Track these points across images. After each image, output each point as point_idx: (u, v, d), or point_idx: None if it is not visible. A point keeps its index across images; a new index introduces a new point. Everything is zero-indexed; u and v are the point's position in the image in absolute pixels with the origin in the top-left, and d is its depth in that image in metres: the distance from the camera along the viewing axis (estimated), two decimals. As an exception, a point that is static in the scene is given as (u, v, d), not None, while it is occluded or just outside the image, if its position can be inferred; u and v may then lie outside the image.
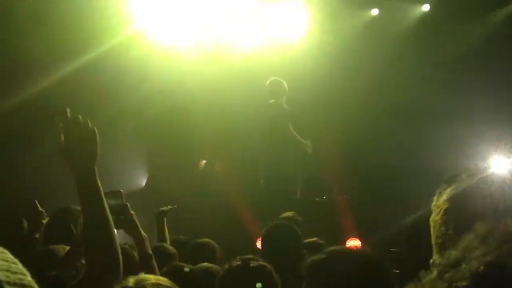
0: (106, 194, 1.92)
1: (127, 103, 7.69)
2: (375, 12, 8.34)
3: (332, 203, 7.50)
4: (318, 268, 1.92)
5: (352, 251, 1.94)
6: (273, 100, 6.29)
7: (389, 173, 7.55)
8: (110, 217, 1.89)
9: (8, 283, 0.80)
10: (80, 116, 1.85)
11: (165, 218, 4.64)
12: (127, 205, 2.73)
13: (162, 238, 4.47)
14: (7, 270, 0.82)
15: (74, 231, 3.68)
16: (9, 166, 6.98)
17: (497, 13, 7.97)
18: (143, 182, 8.92)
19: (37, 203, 3.92)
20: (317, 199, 7.63)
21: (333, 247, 2.06)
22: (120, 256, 1.89)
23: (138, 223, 2.77)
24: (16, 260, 0.86)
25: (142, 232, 2.77)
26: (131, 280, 1.76)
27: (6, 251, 0.87)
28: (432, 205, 1.70)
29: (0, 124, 6.77)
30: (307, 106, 7.10)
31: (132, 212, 2.75)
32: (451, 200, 1.43)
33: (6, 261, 0.84)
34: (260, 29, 7.87)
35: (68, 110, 1.83)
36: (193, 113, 8.52)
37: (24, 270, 0.86)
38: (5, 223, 4.22)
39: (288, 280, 2.75)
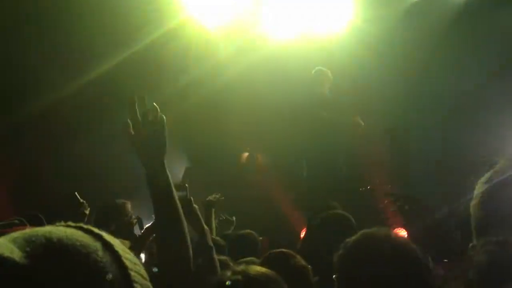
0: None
1: (165, 94, 7.77)
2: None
3: (376, 193, 7.43)
4: (348, 253, 1.84)
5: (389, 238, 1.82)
6: (318, 89, 6.30)
7: (436, 164, 7.42)
8: (181, 211, 1.87)
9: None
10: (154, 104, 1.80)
11: (213, 209, 4.69)
12: (191, 198, 2.81)
13: (209, 229, 4.50)
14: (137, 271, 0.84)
15: (124, 222, 3.83)
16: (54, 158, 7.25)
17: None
18: (180, 174, 8.95)
19: (77, 195, 4.00)
20: (361, 189, 7.58)
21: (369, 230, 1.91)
22: (190, 248, 1.88)
23: (201, 216, 2.84)
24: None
25: (204, 224, 2.84)
26: (239, 268, 1.76)
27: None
28: (474, 192, 1.69)
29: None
30: (349, 96, 7.04)
31: (196, 205, 2.82)
32: (491, 188, 1.43)
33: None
34: (301, 19, 7.79)
35: (146, 97, 1.78)
36: (232, 105, 8.47)
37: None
38: (49, 217, 4.35)
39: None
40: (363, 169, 7.73)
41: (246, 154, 9.10)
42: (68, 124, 7.31)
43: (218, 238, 4.11)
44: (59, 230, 0.78)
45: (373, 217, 6.65)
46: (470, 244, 1.50)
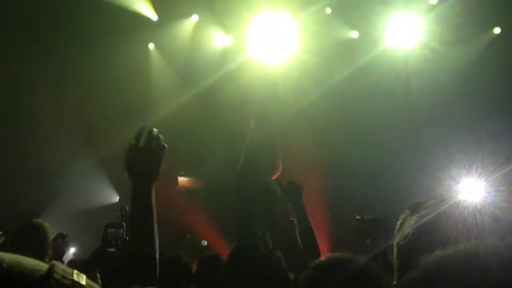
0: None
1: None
2: (354, 34, 8.46)
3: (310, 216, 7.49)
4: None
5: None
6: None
7: (359, 200, 7.60)
8: (156, 227, 1.99)
9: None
10: (155, 131, 2.01)
11: None
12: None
13: None
14: None
15: (45, 243, 3.61)
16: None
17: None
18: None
19: None
20: (291, 219, 7.62)
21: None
22: (157, 262, 1.99)
23: None
24: None
25: None
26: None
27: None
28: (396, 230, 1.72)
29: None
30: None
31: None
32: (421, 226, 1.43)
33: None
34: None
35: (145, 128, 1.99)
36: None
37: None
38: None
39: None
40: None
41: (181, 178, 9.02)
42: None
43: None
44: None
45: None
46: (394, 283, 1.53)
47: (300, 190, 3.65)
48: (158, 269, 1.97)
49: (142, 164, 1.95)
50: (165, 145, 2.02)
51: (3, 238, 3.72)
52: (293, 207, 3.61)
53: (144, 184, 1.95)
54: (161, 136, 2.03)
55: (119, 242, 2.89)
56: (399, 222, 1.74)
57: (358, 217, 3.70)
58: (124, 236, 3.02)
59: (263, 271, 3.00)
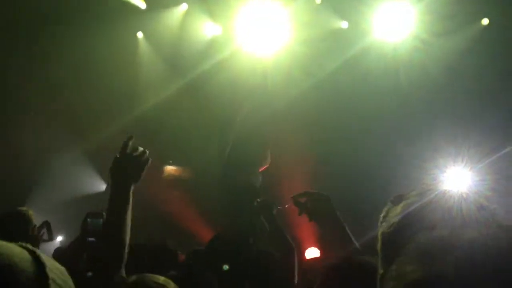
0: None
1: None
2: (344, 25, 8.45)
3: (293, 212, 7.50)
4: None
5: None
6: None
7: (350, 189, 7.62)
8: (129, 227, 2.27)
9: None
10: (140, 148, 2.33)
11: None
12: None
13: None
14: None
15: (30, 231, 3.59)
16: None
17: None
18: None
19: None
20: (279, 207, 7.63)
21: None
22: (125, 256, 2.22)
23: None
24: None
25: None
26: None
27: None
28: (379, 221, 1.71)
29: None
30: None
31: None
32: (407, 215, 1.42)
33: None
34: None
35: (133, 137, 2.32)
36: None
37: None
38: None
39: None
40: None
41: (169, 167, 8.99)
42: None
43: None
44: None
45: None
46: (379, 273, 1.52)
47: (270, 206, 3.99)
48: (125, 258, 2.18)
49: (127, 169, 2.23)
50: (149, 158, 2.32)
51: None
52: (266, 221, 3.88)
53: (125, 185, 2.22)
54: (145, 150, 2.33)
55: (98, 232, 2.87)
56: (382, 215, 1.74)
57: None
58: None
59: (242, 254, 3.03)
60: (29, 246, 0.98)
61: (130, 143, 2.31)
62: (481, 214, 1.22)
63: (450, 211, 1.30)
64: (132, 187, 2.25)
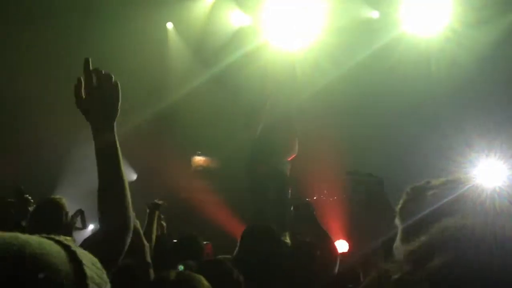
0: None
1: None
2: (375, 14, 8.34)
3: (321, 204, 7.50)
4: None
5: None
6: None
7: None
8: (125, 175, 1.88)
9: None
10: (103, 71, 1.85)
11: (157, 213, 4.54)
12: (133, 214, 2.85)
13: (149, 232, 4.25)
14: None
15: (64, 219, 3.65)
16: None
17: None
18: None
19: (22, 188, 3.83)
20: (307, 199, 7.63)
21: None
22: (132, 214, 1.85)
23: (141, 232, 2.84)
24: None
25: (145, 241, 2.82)
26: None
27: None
28: (397, 212, 1.71)
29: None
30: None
31: (137, 220, 2.82)
32: (439, 208, 1.42)
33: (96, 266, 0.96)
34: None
35: (90, 59, 1.83)
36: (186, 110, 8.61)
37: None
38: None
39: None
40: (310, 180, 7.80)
41: (197, 157, 9.04)
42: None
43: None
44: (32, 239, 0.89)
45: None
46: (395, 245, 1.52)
47: (309, 208, 3.81)
48: (127, 243, 1.83)
49: (98, 104, 1.83)
50: (118, 81, 1.88)
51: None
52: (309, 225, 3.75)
53: (104, 125, 1.83)
54: (111, 75, 1.88)
55: None
56: (399, 207, 1.73)
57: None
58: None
59: (276, 249, 3.04)
60: (63, 240, 0.95)
61: (91, 68, 1.85)
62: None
63: (482, 205, 1.29)
64: (115, 125, 1.86)
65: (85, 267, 0.91)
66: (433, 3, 7.85)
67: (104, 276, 0.97)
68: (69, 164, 8.19)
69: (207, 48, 8.54)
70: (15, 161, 7.32)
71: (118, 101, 1.86)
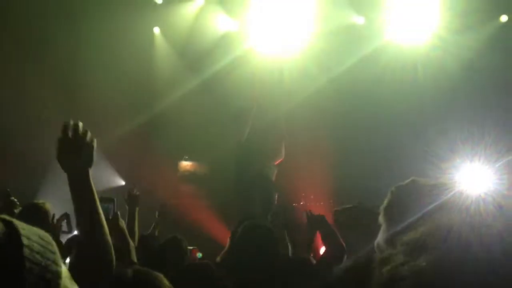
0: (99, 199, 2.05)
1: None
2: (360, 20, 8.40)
3: (308, 209, 7.50)
4: None
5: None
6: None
7: (364, 187, 7.59)
8: (103, 217, 1.98)
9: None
10: (80, 125, 2.04)
11: (137, 208, 4.34)
12: (118, 212, 2.84)
13: (131, 228, 4.09)
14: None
15: (50, 223, 3.63)
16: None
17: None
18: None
19: (8, 191, 3.81)
20: (294, 204, 7.65)
21: None
22: (112, 252, 1.93)
23: (126, 231, 2.83)
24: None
25: (130, 241, 2.81)
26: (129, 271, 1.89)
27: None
28: (381, 212, 1.73)
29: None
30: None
31: (122, 220, 2.83)
32: (425, 214, 1.43)
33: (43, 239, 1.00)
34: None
35: (71, 121, 2.03)
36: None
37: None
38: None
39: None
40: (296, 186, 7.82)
41: (184, 162, 9.01)
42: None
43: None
44: None
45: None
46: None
47: (323, 220, 3.91)
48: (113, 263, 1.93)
49: (73, 156, 2.00)
50: (94, 137, 2.06)
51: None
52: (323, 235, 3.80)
53: (79, 175, 1.99)
54: (87, 130, 2.07)
55: (110, 217, 2.87)
56: (383, 206, 1.75)
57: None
58: (115, 210, 3.01)
59: (271, 248, 3.02)
60: (5, 217, 0.98)
61: (71, 123, 2.03)
62: (500, 213, 1.22)
63: (468, 211, 1.30)
64: (90, 173, 2.00)
65: (22, 237, 0.94)
66: (419, 10, 7.93)
67: (51, 247, 1.00)
68: (55, 168, 8.11)
69: (194, 53, 8.53)
70: (2, 167, 7.25)
71: (92, 151, 2.04)
